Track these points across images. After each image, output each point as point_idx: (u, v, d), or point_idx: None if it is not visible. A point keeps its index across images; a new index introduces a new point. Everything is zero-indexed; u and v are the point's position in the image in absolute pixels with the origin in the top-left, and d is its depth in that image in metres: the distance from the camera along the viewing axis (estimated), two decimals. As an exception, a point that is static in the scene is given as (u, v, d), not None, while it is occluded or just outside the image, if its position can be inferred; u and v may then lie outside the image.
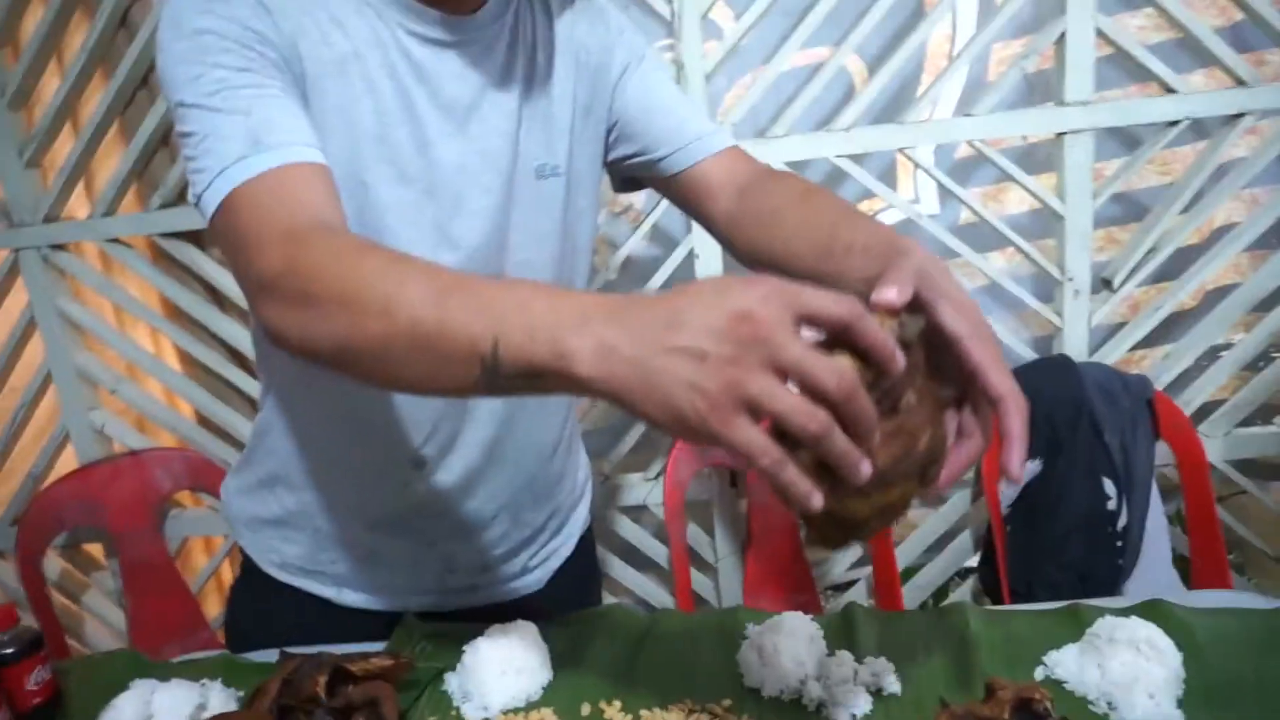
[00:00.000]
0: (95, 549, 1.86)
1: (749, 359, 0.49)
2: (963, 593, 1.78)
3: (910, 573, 1.82)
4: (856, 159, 1.59)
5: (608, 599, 1.85)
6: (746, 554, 1.58)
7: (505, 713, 0.83)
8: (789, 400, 0.49)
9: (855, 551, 1.79)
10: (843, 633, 0.88)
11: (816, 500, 0.52)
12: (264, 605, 1.01)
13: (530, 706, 0.84)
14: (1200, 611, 0.85)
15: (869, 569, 1.65)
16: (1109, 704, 0.75)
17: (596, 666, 0.87)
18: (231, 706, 0.87)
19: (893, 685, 0.80)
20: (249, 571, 1.02)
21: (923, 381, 0.59)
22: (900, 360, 0.54)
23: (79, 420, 1.75)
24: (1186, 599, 0.87)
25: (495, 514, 0.98)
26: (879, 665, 0.82)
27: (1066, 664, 0.79)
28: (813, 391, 0.50)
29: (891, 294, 0.59)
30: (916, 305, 0.60)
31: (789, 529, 1.55)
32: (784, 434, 0.51)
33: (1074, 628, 0.84)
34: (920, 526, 1.78)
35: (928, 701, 0.78)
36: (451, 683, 0.87)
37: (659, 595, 1.80)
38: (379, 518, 0.96)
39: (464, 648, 0.87)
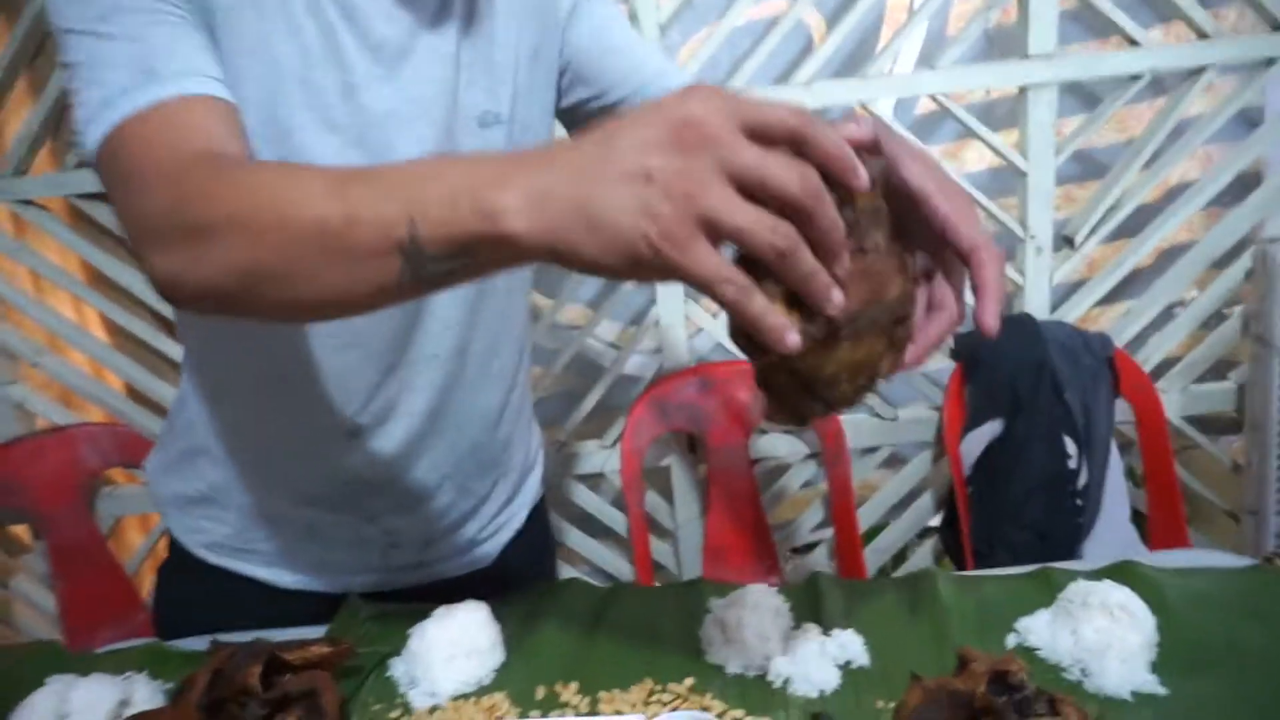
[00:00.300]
0: (22, 530, 1.77)
1: (699, 168, 0.43)
2: (923, 554, 1.78)
3: (872, 534, 1.81)
4: (815, 114, 1.54)
5: (565, 570, 1.81)
6: (706, 520, 1.55)
7: (455, 699, 0.79)
8: (750, 213, 0.44)
9: (816, 514, 1.77)
10: (809, 604, 0.85)
11: (792, 338, 0.47)
12: (194, 590, 0.95)
13: (482, 691, 0.79)
14: (1171, 572, 0.83)
15: (830, 531, 1.63)
16: (1082, 671, 0.72)
17: (551, 647, 0.83)
18: (158, 701, 0.81)
19: (861, 658, 0.77)
20: (176, 554, 0.95)
21: (889, 231, 0.53)
22: (863, 176, 0.48)
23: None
24: (1156, 559, 0.85)
25: (439, 484, 0.92)
26: (846, 638, 0.79)
27: (1039, 631, 0.76)
28: (775, 199, 0.45)
29: (852, 127, 0.53)
30: (876, 152, 0.55)
31: (749, 494, 1.52)
32: (746, 267, 0.46)
33: (1046, 592, 0.82)
34: (882, 488, 1.76)
35: (898, 674, 0.75)
36: (398, 668, 0.82)
37: (617, 564, 1.77)
38: (313, 492, 0.90)
39: (410, 631, 0.82)
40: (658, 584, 1.82)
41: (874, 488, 1.87)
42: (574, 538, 1.77)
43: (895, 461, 1.95)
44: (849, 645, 0.78)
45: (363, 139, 0.76)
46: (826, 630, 0.80)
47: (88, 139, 0.63)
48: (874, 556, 1.80)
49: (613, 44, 0.87)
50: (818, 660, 0.76)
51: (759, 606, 0.80)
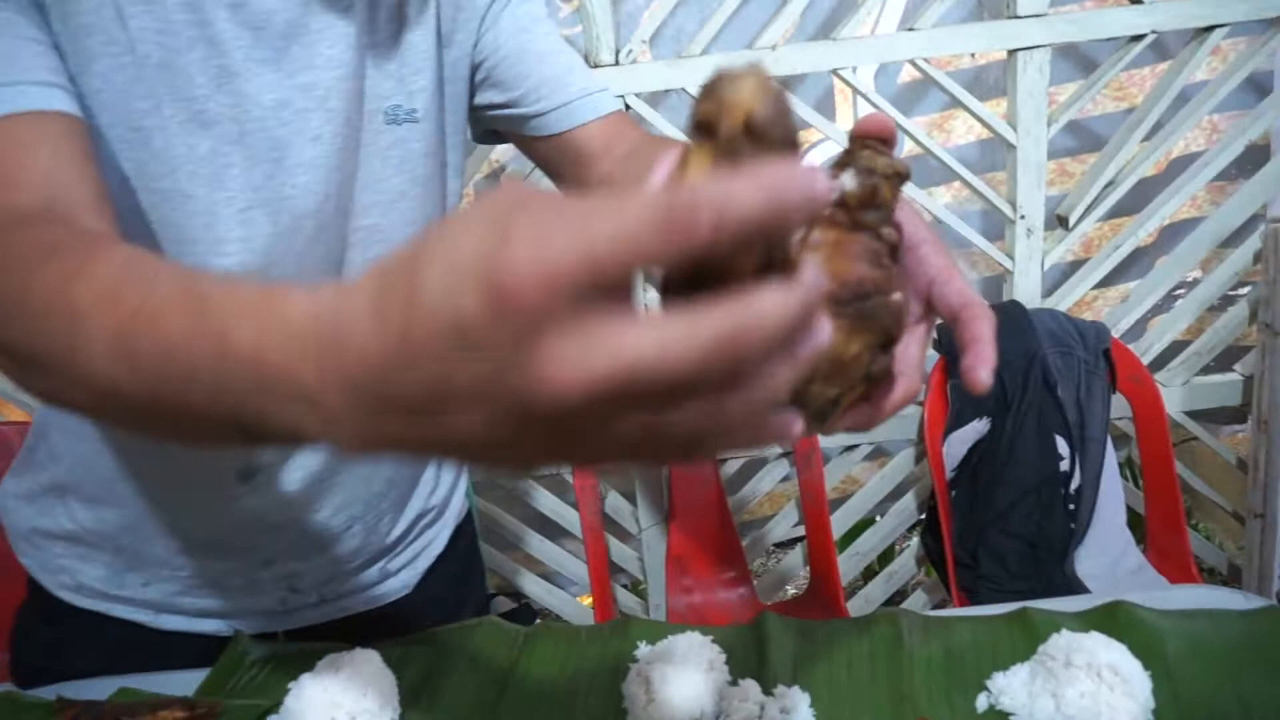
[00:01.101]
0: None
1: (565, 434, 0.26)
2: (908, 557, 1.67)
3: (858, 530, 1.70)
4: (788, 83, 1.41)
5: (524, 576, 1.70)
6: (670, 525, 1.44)
7: (335, 769, 0.67)
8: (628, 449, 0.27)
9: (791, 514, 1.66)
10: (752, 650, 0.74)
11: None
12: (57, 633, 0.83)
13: (367, 760, 0.68)
14: (1169, 616, 0.71)
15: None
16: (1065, 744, 0.61)
17: (454, 702, 0.72)
18: (-4, 768, 0.70)
19: (806, 721, 0.66)
20: (35, 593, 0.83)
21: (890, 225, 0.45)
22: (805, 212, 0.30)
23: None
24: (1151, 599, 0.73)
25: (347, 526, 0.82)
26: (791, 698, 0.67)
27: (1014, 691, 0.65)
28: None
29: (871, 118, 0.44)
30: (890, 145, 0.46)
31: (714, 500, 1.40)
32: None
33: (1025, 640, 0.70)
34: (866, 483, 1.65)
35: (847, 744, 0.64)
36: (276, 728, 0.71)
37: (576, 569, 1.66)
38: (199, 538, 0.78)
39: (289, 685, 0.71)
40: (619, 589, 1.72)
41: (858, 483, 1.76)
42: (533, 543, 1.66)
43: (881, 455, 1.84)
44: (793, 708, 0.67)
45: (244, 136, 0.64)
46: (769, 687, 0.69)
47: None
48: (854, 561, 1.69)
49: (539, 49, 0.75)
50: (755, 726, 0.65)
51: (689, 659, 0.68)
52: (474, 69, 0.75)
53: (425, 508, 0.89)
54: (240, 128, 0.63)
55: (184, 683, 0.77)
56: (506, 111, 0.77)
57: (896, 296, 0.44)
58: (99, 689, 0.76)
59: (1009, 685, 0.66)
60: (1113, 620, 0.70)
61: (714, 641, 0.71)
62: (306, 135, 0.65)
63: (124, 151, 0.60)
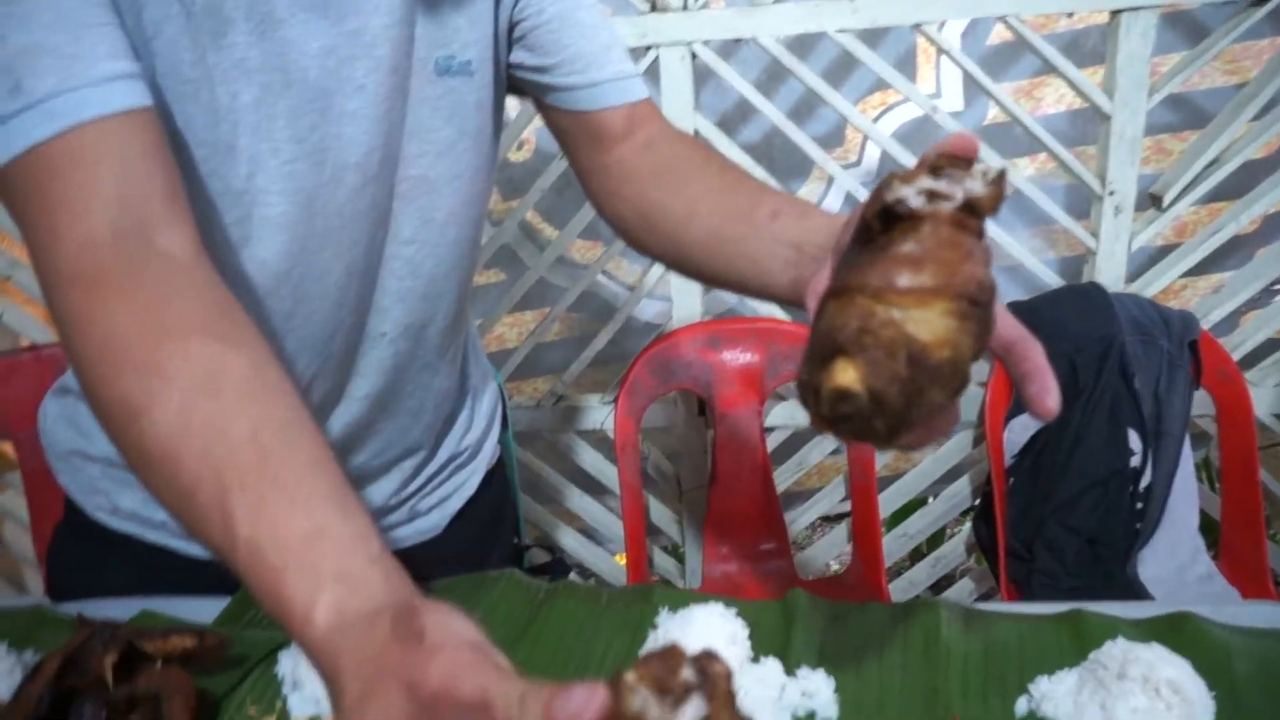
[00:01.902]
0: (8, 446, 1.71)
1: None
2: (957, 543, 1.61)
3: (908, 511, 1.64)
4: (866, 38, 1.33)
5: (562, 531, 1.69)
6: (711, 490, 1.40)
7: (340, 711, 0.66)
8: None
9: (838, 490, 1.61)
10: (779, 628, 0.70)
11: None
12: (93, 555, 0.84)
13: (374, 703, 0.66)
14: (1242, 633, 0.65)
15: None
16: (1110, 761, 0.56)
17: (466, 654, 0.70)
18: (15, 675, 0.70)
19: (828, 709, 0.62)
20: (72, 514, 0.84)
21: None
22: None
23: (-26, 309, 1.57)
24: (1225, 614, 0.67)
25: (384, 470, 0.82)
26: (814, 682, 0.63)
27: (1059, 699, 0.60)
28: None
29: (953, 139, 0.46)
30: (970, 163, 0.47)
31: (758, 467, 1.36)
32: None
33: (1075, 644, 0.65)
34: (918, 464, 1.59)
35: (871, 736, 0.60)
36: (284, 663, 0.70)
37: (614, 527, 1.63)
38: None
39: (302, 623, 0.70)
40: (656, 552, 1.69)
41: (910, 462, 1.70)
42: (574, 499, 1.64)
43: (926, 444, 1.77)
44: (815, 692, 0.63)
45: (289, 86, 0.61)
46: (791, 668, 0.65)
47: None
48: (901, 542, 1.63)
49: (577, 19, 0.72)
50: (772, 708, 0.62)
51: (710, 630, 0.65)
52: (511, 25, 0.72)
53: (458, 449, 0.89)
54: (285, 76, 0.61)
55: (206, 609, 0.77)
56: (535, 76, 0.74)
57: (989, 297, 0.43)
58: (124, 608, 0.76)
59: (1053, 691, 0.60)
60: (1177, 632, 0.64)
61: (738, 615, 0.67)
62: (352, 84, 0.63)
63: (175, 104, 0.58)
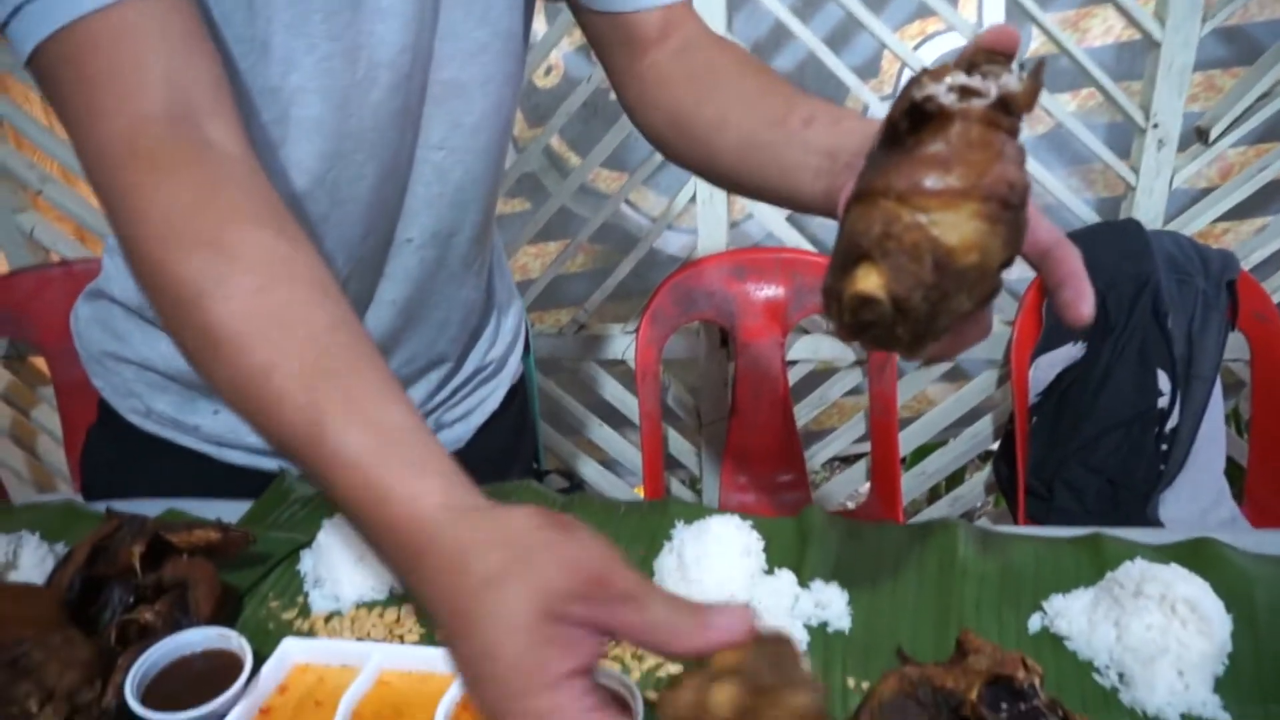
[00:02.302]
0: (43, 362, 1.74)
1: None
2: (976, 483, 1.60)
3: (925, 452, 1.63)
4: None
5: (583, 461, 1.70)
6: (730, 422, 1.40)
7: (359, 607, 0.68)
8: None
9: (858, 425, 1.60)
10: (793, 543, 0.70)
11: None
12: (125, 457, 0.85)
13: (393, 601, 0.68)
14: (1262, 560, 0.64)
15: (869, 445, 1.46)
16: (1121, 677, 0.56)
17: (484, 559, 0.70)
18: (46, 565, 0.72)
19: (841, 620, 0.62)
20: (106, 415, 0.85)
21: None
22: None
23: (5, 223, 1.58)
24: (1245, 539, 0.66)
25: (411, 380, 0.83)
26: (827, 594, 0.64)
27: (1073, 615, 0.60)
28: None
29: (1003, 35, 0.42)
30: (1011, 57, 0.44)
31: (780, 398, 1.35)
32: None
33: (1092, 565, 0.65)
34: (940, 403, 1.58)
35: (882, 647, 0.60)
36: (306, 562, 0.71)
37: (634, 459, 1.64)
38: None
39: (324, 521, 0.71)
40: (674, 484, 1.70)
41: (931, 402, 1.69)
42: (592, 426, 1.65)
43: (958, 376, 1.75)
44: (829, 603, 0.63)
45: None
46: (805, 580, 0.65)
47: (16, 39, 0.50)
48: (920, 480, 1.63)
49: None
50: (785, 618, 0.62)
51: (724, 541, 0.65)
52: None
53: (483, 363, 0.89)
54: None
55: (230, 511, 0.78)
56: None
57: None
58: (150, 508, 0.78)
59: (1068, 609, 0.60)
60: (1196, 557, 0.64)
61: (753, 528, 0.67)
62: None
63: (216, 2, 0.57)
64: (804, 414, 1.56)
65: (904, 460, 1.68)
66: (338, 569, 0.68)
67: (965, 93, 0.41)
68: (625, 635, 0.38)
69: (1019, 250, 0.43)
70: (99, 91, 0.50)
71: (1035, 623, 0.61)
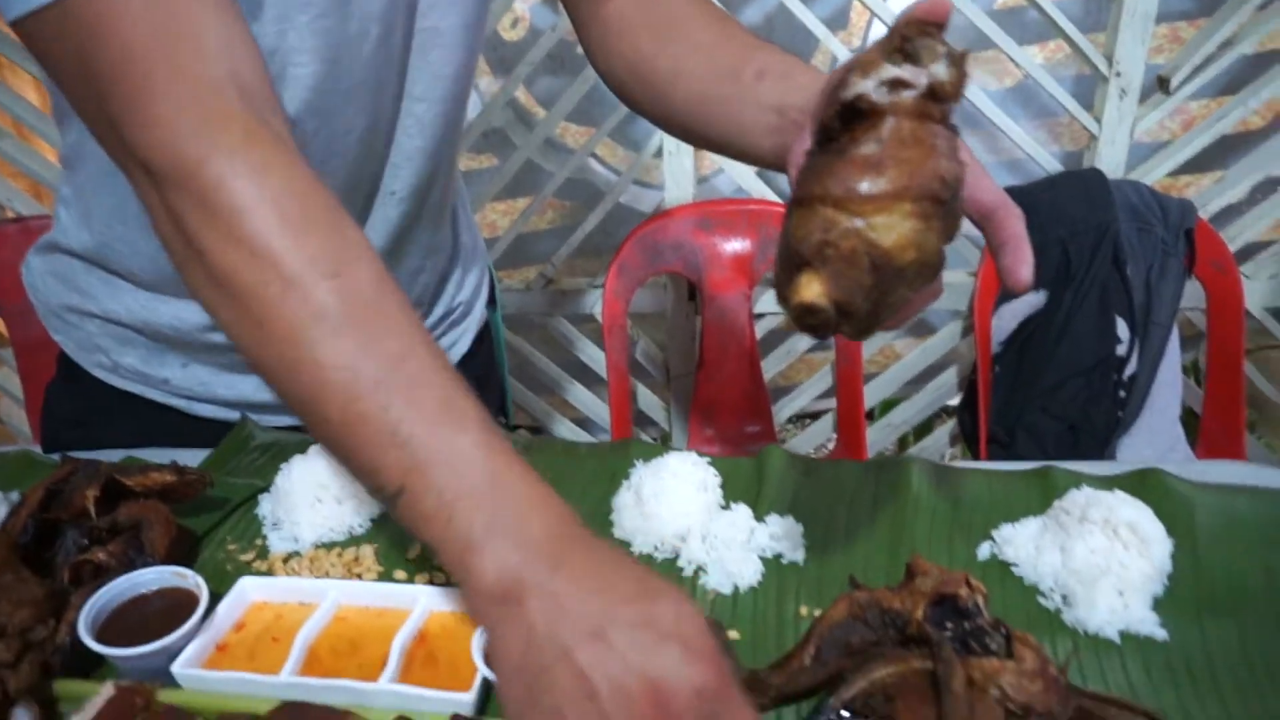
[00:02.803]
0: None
1: None
2: (940, 435, 1.62)
3: (889, 406, 1.66)
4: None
5: (555, 419, 1.71)
6: (698, 374, 1.40)
7: (318, 548, 0.68)
8: None
9: (827, 378, 1.61)
10: (751, 480, 0.71)
11: None
12: (89, 411, 0.84)
13: (351, 541, 0.68)
14: (1205, 488, 0.66)
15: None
16: (1064, 598, 0.57)
17: (443, 500, 0.71)
18: (1, 511, 0.71)
19: (794, 552, 0.63)
20: (67, 368, 0.83)
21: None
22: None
23: (-43, 179, 1.55)
24: (1190, 470, 0.68)
25: None
26: (783, 526, 0.65)
27: (1020, 543, 0.61)
28: None
29: (931, 5, 0.42)
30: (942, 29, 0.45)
31: (747, 351, 1.36)
32: None
33: (1041, 496, 0.66)
34: (904, 357, 1.59)
35: (835, 577, 0.61)
36: (264, 506, 0.71)
37: (606, 416, 1.65)
38: None
39: (281, 465, 0.71)
40: (645, 439, 1.71)
41: (897, 356, 1.70)
42: (563, 384, 1.65)
43: (923, 330, 1.77)
44: (783, 535, 0.64)
45: None
46: (761, 514, 0.66)
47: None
48: (886, 432, 1.65)
49: None
50: (740, 549, 0.63)
51: (680, 476, 0.66)
52: None
53: (451, 305, 0.89)
54: None
55: (190, 459, 0.77)
56: None
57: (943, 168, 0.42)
58: (109, 458, 0.77)
59: (1015, 536, 0.62)
60: (1142, 485, 0.65)
61: (710, 465, 0.68)
62: None
63: None
64: (771, 367, 1.57)
65: (871, 413, 1.70)
66: (296, 510, 0.68)
67: (895, 85, 0.41)
68: None
69: (955, 233, 0.44)
70: (169, 48, 0.47)
71: (985, 551, 0.62)
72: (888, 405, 1.66)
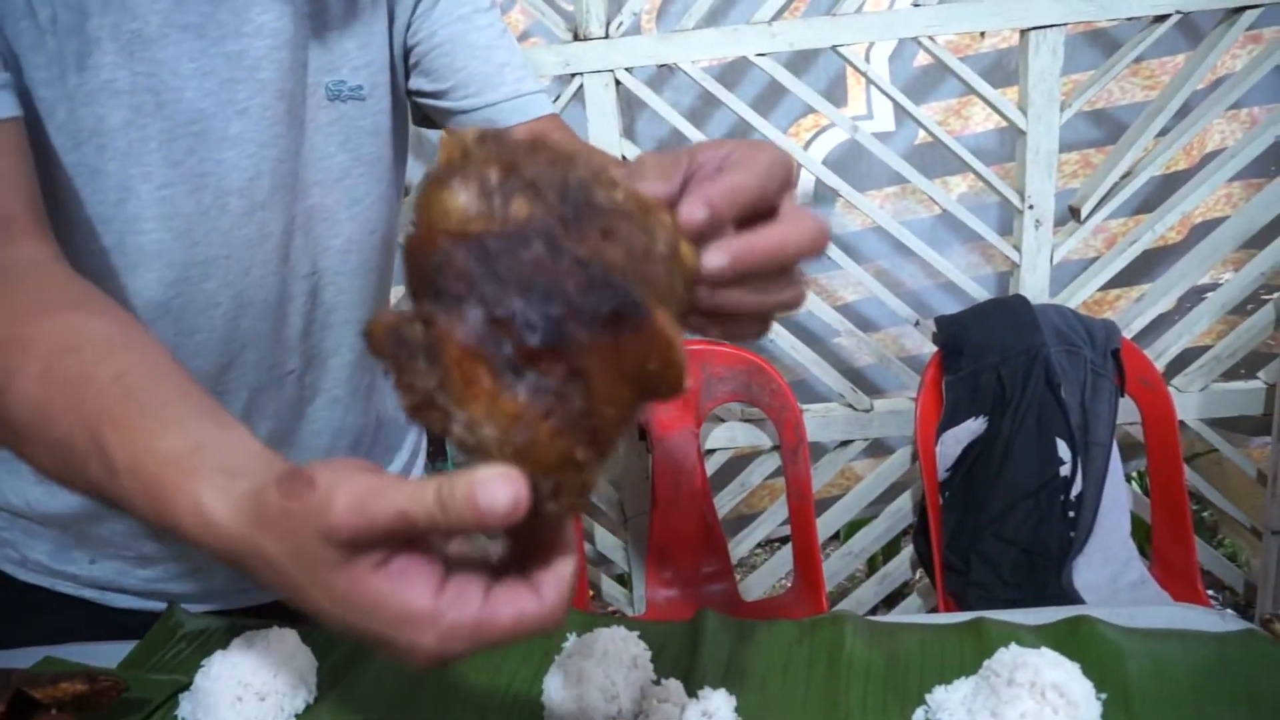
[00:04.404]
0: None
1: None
2: (902, 560, 1.61)
3: (854, 528, 1.64)
4: (797, 61, 1.35)
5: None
6: (652, 515, 1.40)
7: (240, 750, 0.65)
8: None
9: (783, 511, 1.60)
10: (685, 649, 0.70)
11: None
12: (4, 607, 0.81)
13: (274, 744, 0.65)
14: (1135, 635, 0.66)
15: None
16: (1000, 767, 0.56)
17: (373, 689, 0.69)
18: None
19: (728, 728, 0.61)
20: None
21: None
22: None
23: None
24: (1120, 616, 0.68)
25: None
26: (716, 700, 0.63)
27: (953, 707, 0.60)
28: None
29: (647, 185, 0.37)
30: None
31: (698, 490, 1.36)
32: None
33: (975, 653, 0.65)
34: (864, 479, 1.60)
35: (768, 755, 0.59)
36: (185, 706, 0.68)
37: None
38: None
39: (202, 663, 0.69)
40: (605, 580, 1.68)
41: (858, 477, 1.71)
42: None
43: (881, 450, 1.78)
44: (715, 711, 0.62)
45: (162, 107, 0.60)
46: (693, 689, 0.64)
47: None
48: (847, 560, 1.63)
49: (469, 40, 0.71)
50: (673, 729, 0.61)
51: (609, 656, 0.65)
52: (407, 51, 0.72)
53: None
54: (157, 98, 0.60)
55: (114, 653, 0.75)
56: (434, 102, 0.73)
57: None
58: (27, 657, 0.74)
59: (948, 700, 0.61)
60: (1073, 636, 0.65)
61: (640, 638, 0.67)
62: (233, 108, 0.62)
63: (32, 124, 0.57)
64: (727, 500, 1.56)
65: (837, 535, 1.69)
66: (216, 710, 0.65)
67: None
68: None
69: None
70: None
71: (919, 716, 0.61)
72: (854, 526, 1.65)
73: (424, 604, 0.33)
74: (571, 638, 0.69)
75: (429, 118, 0.78)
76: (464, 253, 0.32)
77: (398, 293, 1.58)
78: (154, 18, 0.59)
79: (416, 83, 0.74)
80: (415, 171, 1.54)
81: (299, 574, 0.35)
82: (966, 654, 0.65)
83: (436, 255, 0.33)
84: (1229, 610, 0.70)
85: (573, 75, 1.31)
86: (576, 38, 1.29)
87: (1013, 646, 0.61)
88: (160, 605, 0.80)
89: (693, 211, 0.36)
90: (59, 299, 0.50)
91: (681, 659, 0.68)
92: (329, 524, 0.33)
